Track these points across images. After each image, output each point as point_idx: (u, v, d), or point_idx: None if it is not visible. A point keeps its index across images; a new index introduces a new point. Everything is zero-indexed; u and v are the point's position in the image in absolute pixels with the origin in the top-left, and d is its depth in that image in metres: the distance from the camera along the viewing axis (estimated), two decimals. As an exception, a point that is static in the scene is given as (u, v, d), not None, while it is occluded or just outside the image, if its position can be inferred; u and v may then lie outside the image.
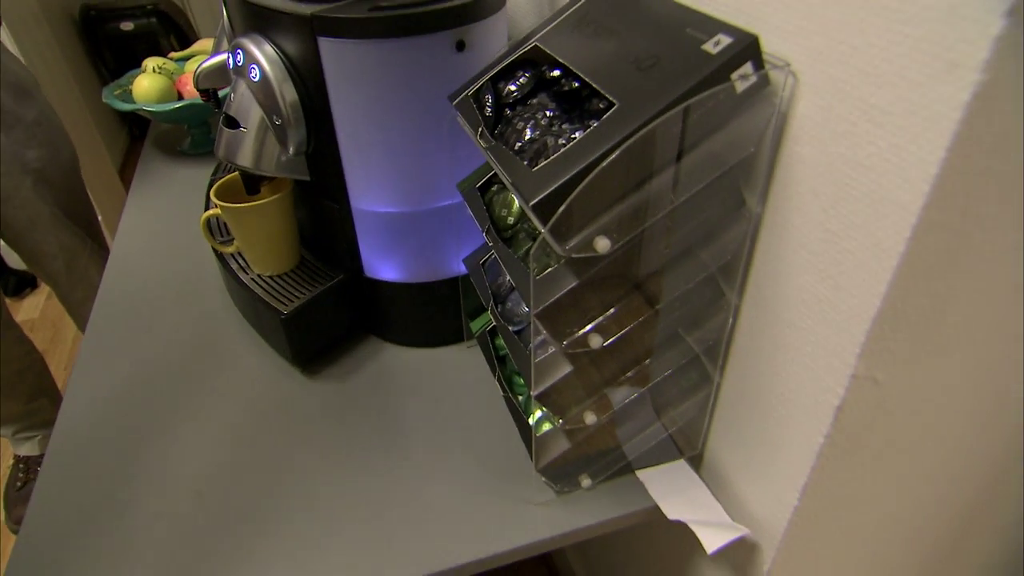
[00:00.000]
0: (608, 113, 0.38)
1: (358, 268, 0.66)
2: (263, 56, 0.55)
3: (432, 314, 0.68)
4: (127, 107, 1.04)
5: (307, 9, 0.51)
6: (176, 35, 2.85)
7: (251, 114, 0.58)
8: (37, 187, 1.08)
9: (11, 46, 1.86)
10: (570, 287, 0.42)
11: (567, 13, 0.49)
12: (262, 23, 0.55)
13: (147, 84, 1.03)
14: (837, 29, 0.33)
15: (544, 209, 0.38)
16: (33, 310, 2.10)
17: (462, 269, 0.64)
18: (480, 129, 0.46)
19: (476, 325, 0.66)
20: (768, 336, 0.45)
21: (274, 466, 0.59)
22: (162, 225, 0.96)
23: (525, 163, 0.42)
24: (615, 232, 0.39)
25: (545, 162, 0.39)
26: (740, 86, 0.36)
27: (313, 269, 0.69)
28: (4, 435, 1.44)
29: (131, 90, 1.06)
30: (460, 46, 0.52)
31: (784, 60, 0.37)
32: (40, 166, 1.09)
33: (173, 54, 1.19)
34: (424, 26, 0.50)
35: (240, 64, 0.57)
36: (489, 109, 0.48)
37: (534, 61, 0.50)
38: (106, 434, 0.63)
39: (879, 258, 0.33)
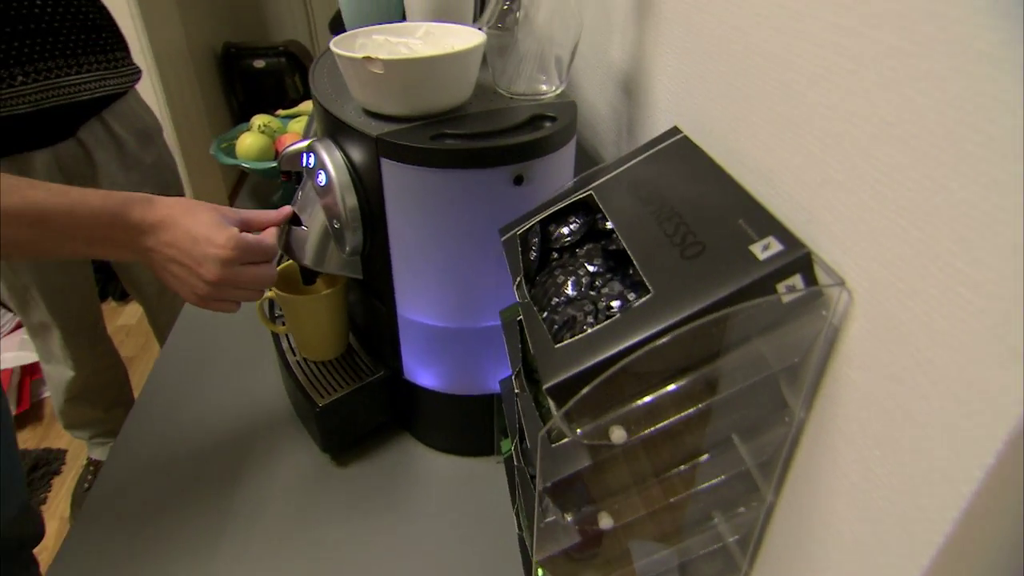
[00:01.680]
0: (642, 300, 0.36)
1: (398, 369, 0.66)
2: (331, 163, 0.56)
3: (465, 425, 0.67)
4: (228, 161, 1.11)
5: (375, 130, 0.52)
6: (301, 75, 3.06)
7: (314, 215, 0.60)
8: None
9: (156, 80, 2.05)
10: (582, 468, 0.39)
11: (631, 163, 0.48)
12: (335, 131, 0.57)
13: (249, 142, 1.10)
14: (897, 265, 0.29)
15: (559, 393, 0.36)
16: (132, 316, 2.26)
17: (499, 388, 0.63)
18: (519, 279, 0.45)
19: (506, 445, 0.64)
20: (800, 549, 0.40)
21: (283, 549, 0.59)
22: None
23: (555, 328, 0.40)
24: (634, 424, 0.37)
25: (570, 340, 0.37)
26: (787, 297, 0.33)
27: (357, 361, 0.69)
28: (81, 437, 1.54)
29: (235, 144, 1.13)
30: (518, 180, 0.52)
31: (840, 276, 0.33)
32: (148, 204, 1.18)
33: (280, 111, 1.27)
34: (482, 161, 0.50)
35: (311, 167, 0.59)
36: (534, 253, 0.47)
37: (589, 205, 0.48)
38: (148, 468, 0.69)
39: (923, 526, 0.29)
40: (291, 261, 0.67)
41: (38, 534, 1.00)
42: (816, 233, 0.35)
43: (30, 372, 1.92)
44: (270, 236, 0.59)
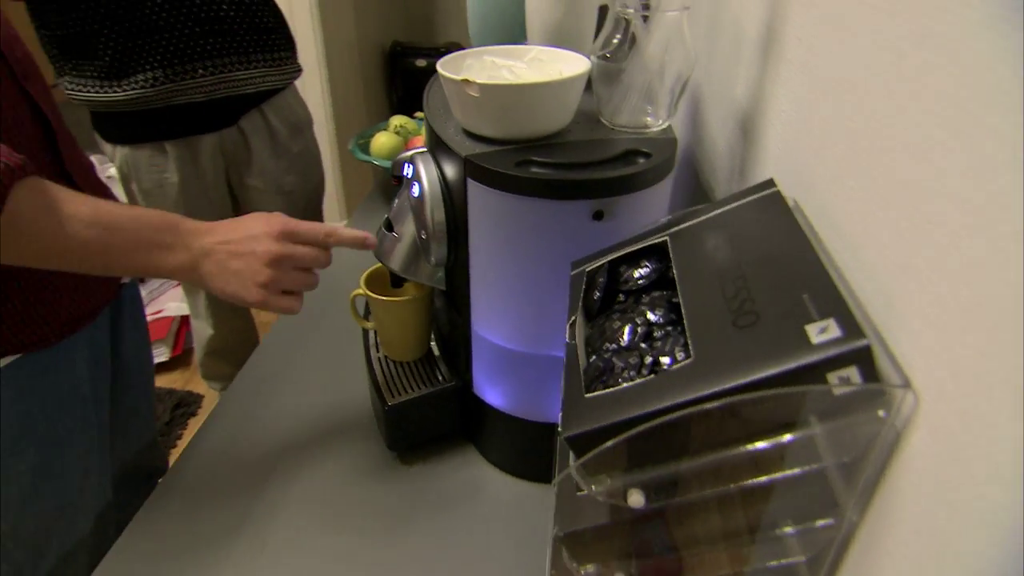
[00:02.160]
0: (680, 364, 0.34)
1: (469, 382, 0.67)
2: (426, 177, 0.58)
3: (527, 449, 0.66)
4: (362, 157, 1.18)
5: (466, 149, 0.53)
6: (458, 77, 3.19)
7: (406, 224, 0.62)
8: (285, 208, 1.28)
9: (323, 73, 2.23)
10: (599, 524, 0.38)
11: (718, 212, 0.45)
12: (435, 146, 0.59)
13: (383, 141, 1.17)
14: (965, 378, 0.25)
15: (578, 445, 0.34)
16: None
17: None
18: (573, 319, 0.44)
19: (561, 477, 0.63)
20: (835, 666, 0.36)
21: (336, 531, 0.63)
22: (358, 260, 1.07)
23: (592, 375, 0.39)
24: (654, 492, 0.35)
25: (602, 391, 0.36)
26: (838, 390, 0.30)
27: (433, 366, 0.71)
28: (215, 388, 1.71)
29: (371, 142, 1.21)
30: (598, 216, 0.51)
31: (907, 376, 0.29)
32: (292, 190, 1.29)
33: (418, 113, 1.33)
34: (560, 192, 0.50)
35: (408, 177, 0.61)
36: (598, 293, 0.46)
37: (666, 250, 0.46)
38: (241, 425, 0.76)
39: None
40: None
41: (163, 467, 1.12)
42: (892, 322, 0.31)
43: (187, 322, 2.16)
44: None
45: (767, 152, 0.56)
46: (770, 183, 0.45)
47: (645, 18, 0.55)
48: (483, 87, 0.50)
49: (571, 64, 0.57)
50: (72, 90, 1.08)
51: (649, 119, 0.59)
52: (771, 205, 0.42)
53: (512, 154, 0.52)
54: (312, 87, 2.19)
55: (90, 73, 1.05)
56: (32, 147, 0.63)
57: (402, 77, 3.23)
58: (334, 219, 2.40)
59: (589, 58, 0.56)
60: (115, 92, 1.06)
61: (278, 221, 0.59)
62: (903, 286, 0.31)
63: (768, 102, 0.56)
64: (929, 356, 0.28)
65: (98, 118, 1.13)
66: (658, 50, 0.54)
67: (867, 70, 0.36)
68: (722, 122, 0.75)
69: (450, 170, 0.57)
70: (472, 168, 0.52)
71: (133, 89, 1.05)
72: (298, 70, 1.25)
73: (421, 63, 3.20)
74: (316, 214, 1.42)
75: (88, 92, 1.07)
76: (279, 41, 1.18)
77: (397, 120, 1.23)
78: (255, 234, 0.58)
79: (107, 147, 1.16)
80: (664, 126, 0.58)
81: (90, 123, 1.14)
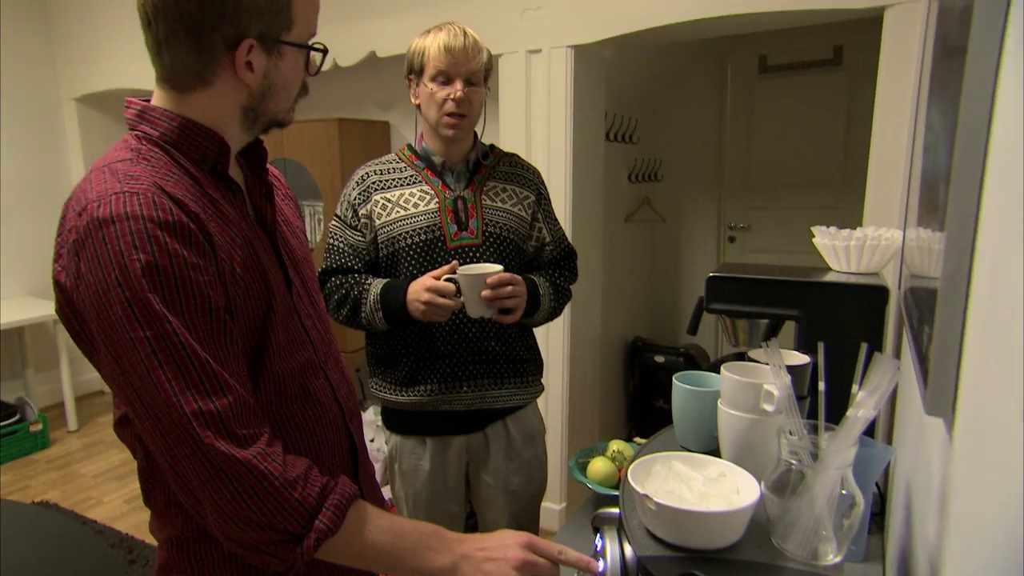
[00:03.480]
0: None
1: None
2: (610, 556, 0.69)
3: None
4: (578, 478, 1.33)
5: (640, 548, 0.64)
6: (692, 376, 3.34)
7: (589, 590, 0.72)
8: (508, 504, 1.46)
9: (566, 366, 2.53)
10: None
11: None
12: (620, 528, 0.70)
13: (598, 467, 1.31)
14: None
15: None
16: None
17: None
18: None
19: None
20: None
21: None
22: None
23: None
24: None
25: None
26: None
27: None
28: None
29: (589, 462, 1.35)
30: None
31: None
32: (516, 490, 1.47)
33: (638, 438, 1.46)
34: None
35: (599, 551, 0.72)
36: None
37: None
38: None
39: None
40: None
41: None
42: None
43: None
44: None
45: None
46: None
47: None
48: (659, 505, 0.62)
49: (746, 486, 0.67)
50: (376, 389, 1.44)
51: (822, 548, 0.64)
52: None
53: (679, 563, 0.62)
54: (554, 380, 2.49)
55: (390, 380, 1.41)
56: (344, 468, 0.88)
57: (640, 368, 3.49)
58: (551, 522, 2.53)
59: (760, 485, 0.66)
60: (402, 396, 1.39)
61: (524, 535, 0.75)
62: None
63: (947, 553, 0.58)
64: None
65: (386, 412, 1.46)
66: (823, 494, 0.62)
67: None
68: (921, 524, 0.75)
69: (630, 557, 0.67)
70: (643, 570, 0.62)
71: (415, 396, 1.37)
72: (541, 390, 1.50)
73: (659, 359, 3.44)
74: (533, 513, 1.56)
75: (385, 393, 1.41)
76: (529, 367, 1.45)
77: (615, 445, 1.37)
78: (507, 543, 0.74)
79: (385, 432, 1.48)
80: (836, 562, 0.63)
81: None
